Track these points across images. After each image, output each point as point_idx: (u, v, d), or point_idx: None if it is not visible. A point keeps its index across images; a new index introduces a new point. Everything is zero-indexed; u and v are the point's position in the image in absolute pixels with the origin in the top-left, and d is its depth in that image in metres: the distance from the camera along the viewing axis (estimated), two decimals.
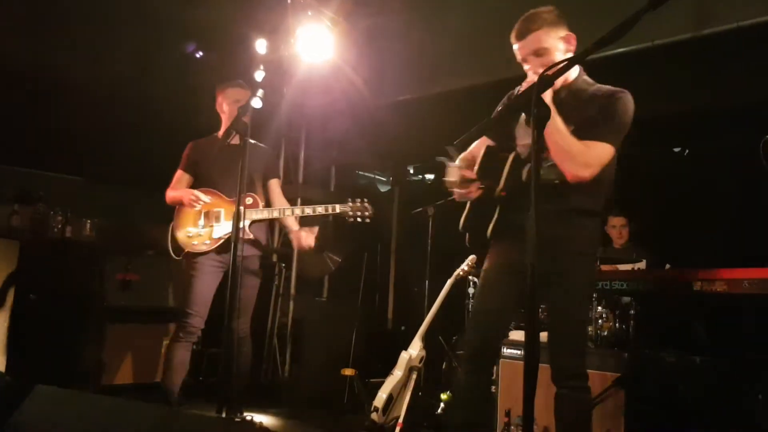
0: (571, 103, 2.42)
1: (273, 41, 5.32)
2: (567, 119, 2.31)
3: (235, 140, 3.52)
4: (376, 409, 3.64)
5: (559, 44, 2.43)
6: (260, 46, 5.35)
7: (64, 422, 1.89)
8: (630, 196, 4.58)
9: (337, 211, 3.50)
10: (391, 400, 3.66)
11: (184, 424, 1.67)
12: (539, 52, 2.41)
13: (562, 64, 1.71)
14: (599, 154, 2.32)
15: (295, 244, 3.71)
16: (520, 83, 2.44)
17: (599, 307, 3.80)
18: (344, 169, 6.59)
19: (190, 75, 5.64)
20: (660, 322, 3.82)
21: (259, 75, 5.20)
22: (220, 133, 3.75)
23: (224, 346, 3.07)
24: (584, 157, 2.28)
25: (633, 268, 3.93)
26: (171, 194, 3.67)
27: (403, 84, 5.12)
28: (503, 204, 2.43)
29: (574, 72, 2.49)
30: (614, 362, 3.09)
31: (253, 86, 4.16)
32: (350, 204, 3.52)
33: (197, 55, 5.80)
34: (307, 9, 4.30)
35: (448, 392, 4.10)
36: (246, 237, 3.43)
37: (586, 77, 2.54)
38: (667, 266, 4.03)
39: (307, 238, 3.62)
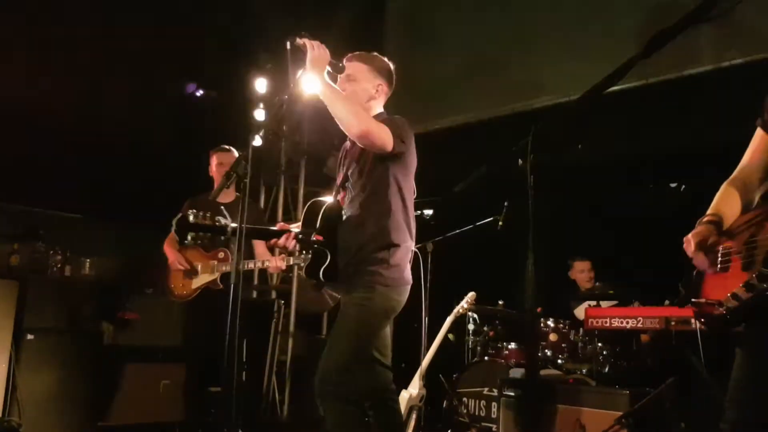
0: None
1: (272, 80, 5.42)
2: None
3: (227, 198, 3.84)
4: None
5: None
6: (260, 85, 5.45)
7: None
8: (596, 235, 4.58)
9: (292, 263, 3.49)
10: None
11: None
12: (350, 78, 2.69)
13: (556, 113, 1.74)
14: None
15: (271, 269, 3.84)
16: (514, 120, 2.50)
17: (599, 344, 3.80)
18: None
19: (189, 114, 5.72)
20: (660, 357, 3.80)
21: (259, 114, 5.30)
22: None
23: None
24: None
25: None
26: (166, 250, 3.99)
27: None
28: (332, 249, 2.56)
29: None
30: (616, 400, 3.06)
31: (253, 125, 4.23)
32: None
33: (197, 94, 5.89)
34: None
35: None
36: (215, 288, 3.69)
37: None
38: (636, 303, 4.02)
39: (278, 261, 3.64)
